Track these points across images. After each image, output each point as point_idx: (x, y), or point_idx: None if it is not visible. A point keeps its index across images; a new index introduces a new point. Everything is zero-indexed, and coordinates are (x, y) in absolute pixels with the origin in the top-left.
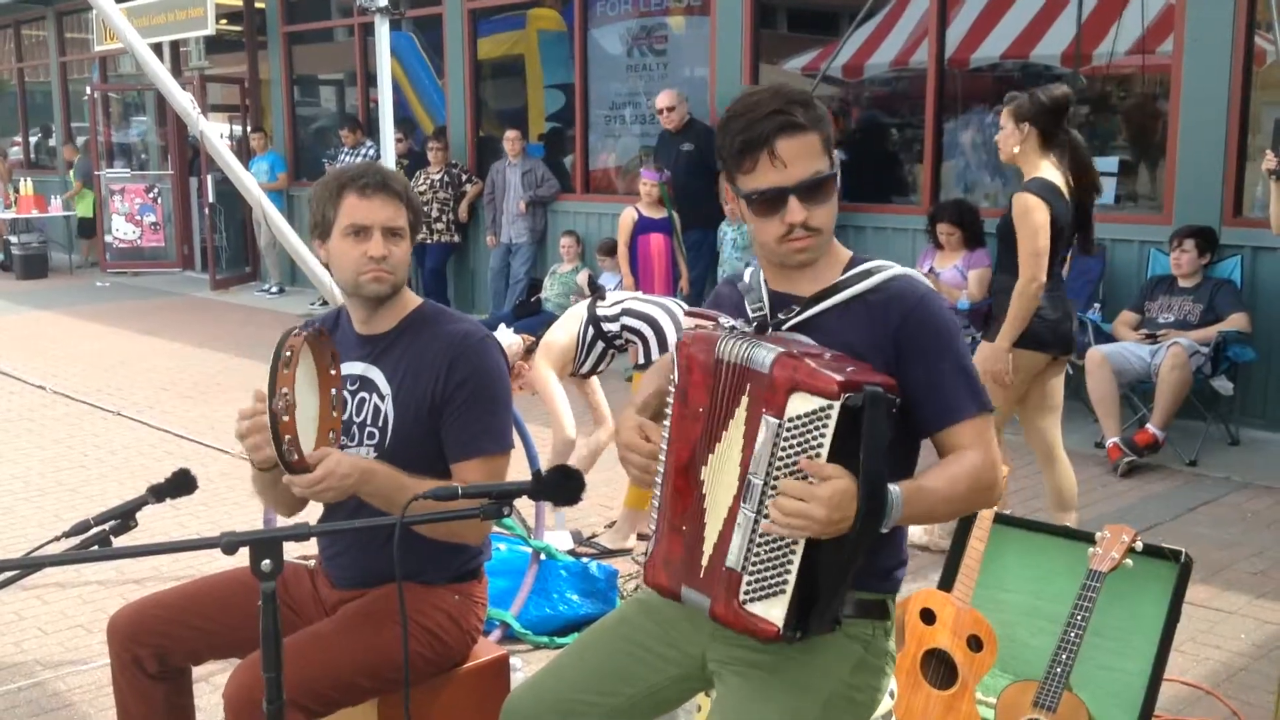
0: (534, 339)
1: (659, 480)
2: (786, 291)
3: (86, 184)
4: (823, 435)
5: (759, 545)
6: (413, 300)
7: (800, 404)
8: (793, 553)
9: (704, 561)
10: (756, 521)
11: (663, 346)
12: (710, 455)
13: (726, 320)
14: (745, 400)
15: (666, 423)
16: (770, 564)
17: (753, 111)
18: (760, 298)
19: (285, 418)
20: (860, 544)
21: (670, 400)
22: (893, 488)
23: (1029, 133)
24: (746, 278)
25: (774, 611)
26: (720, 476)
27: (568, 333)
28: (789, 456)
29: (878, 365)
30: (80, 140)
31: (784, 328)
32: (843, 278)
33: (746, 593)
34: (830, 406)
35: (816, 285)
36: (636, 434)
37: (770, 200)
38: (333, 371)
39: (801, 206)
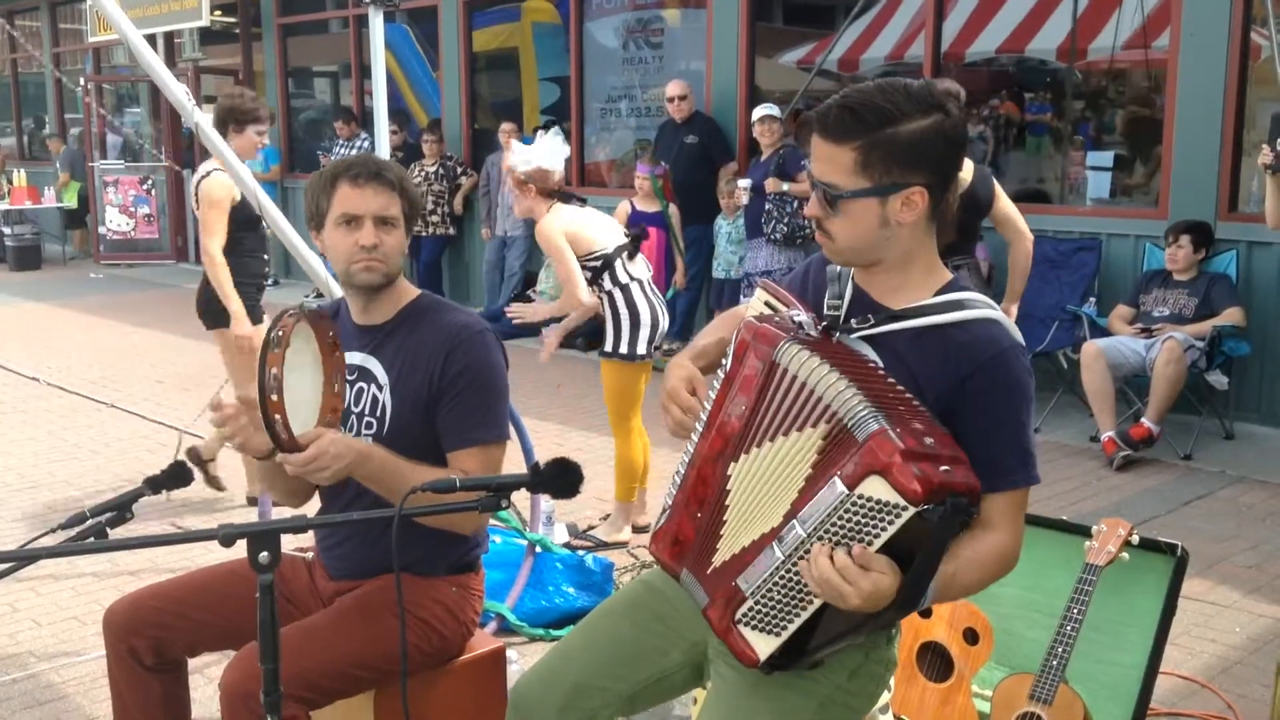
0: (558, 194)
1: (688, 449)
2: (871, 296)
3: (74, 175)
4: (885, 528)
5: (776, 585)
6: (411, 291)
7: (878, 489)
8: (805, 609)
9: (714, 561)
10: (783, 565)
11: (630, 346)
12: (745, 456)
13: (798, 313)
14: (817, 440)
15: (711, 395)
16: (780, 606)
17: (848, 94)
18: (841, 294)
19: (273, 397)
20: (874, 624)
21: (720, 378)
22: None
23: None
24: (839, 271)
25: (762, 646)
26: (754, 486)
27: (595, 234)
28: (843, 529)
29: (932, 405)
30: (74, 131)
31: (854, 336)
32: (930, 301)
33: (745, 617)
34: (905, 508)
35: (906, 298)
36: (684, 386)
37: (814, 184)
38: (335, 353)
39: (820, 205)
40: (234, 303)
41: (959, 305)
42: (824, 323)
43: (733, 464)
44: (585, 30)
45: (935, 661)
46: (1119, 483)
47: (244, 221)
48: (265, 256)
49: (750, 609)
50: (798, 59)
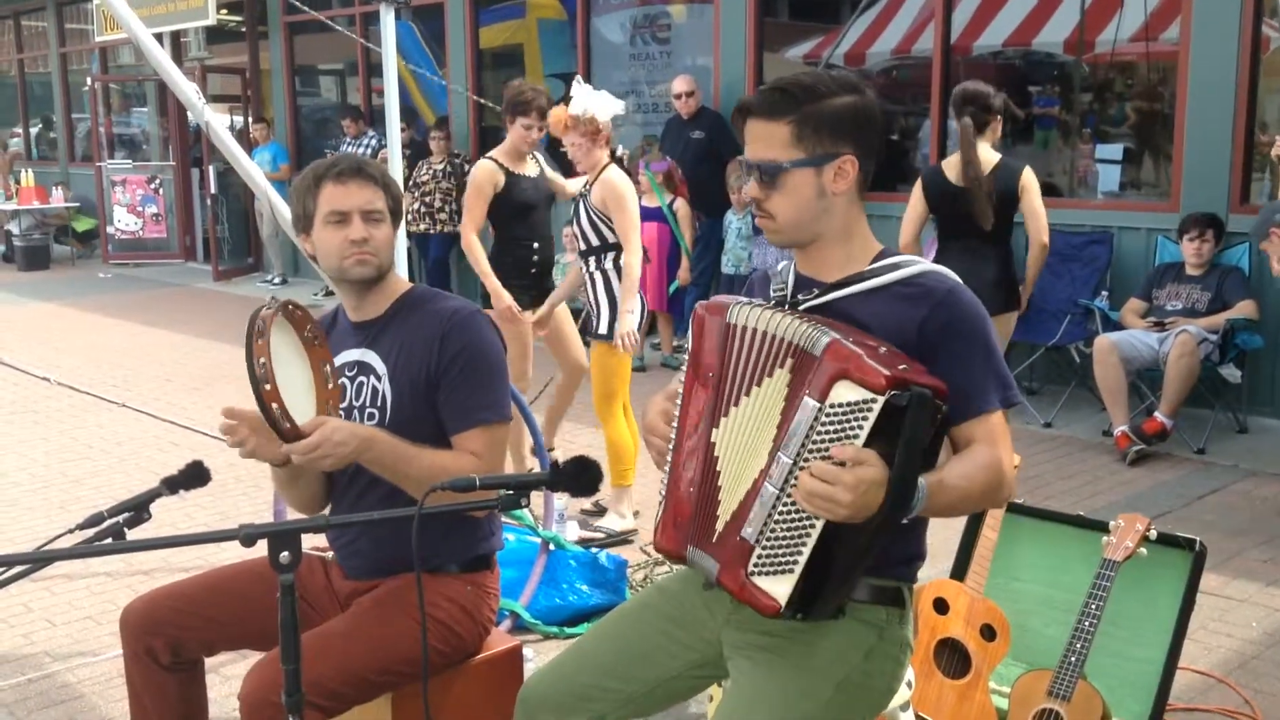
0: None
1: (669, 447)
2: (812, 275)
3: (86, 211)
4: (860, 427)
5: (777, 522)
6: (402, 284)
7: (845, 392)
8: (809, 534)
9: (718, 527)
10: (778, 499)
11: (608, 325)
12: (724, 419)
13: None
14: (782, 374)
15: (680, 390)
16: (785, 542)
17: (776, 79)
18: (784, 282)
19: (267, 385)
20: (878, 534)
21: (684, 369)
22: (920, 481)
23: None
24: (781, 266)
25: (779, 588)
26: (739, 442)
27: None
28: (823, 441)
29: None
30: (81, 130)
31: (801, 308)
32: (869, 267)
33: (756, 565)
34: (874, 400)
35: (843, 272)
36: (662, 418)
37: (747, 170)
38: (316, 343)
39: (759, 186)
40: (490, 280)
41: (897, 265)
42: (772, 302)
43: (715, 431)
44: (592, 26)
45: (953, 658)
46: (1132, 477)
47: (513, 209)
48: (535, 244)
49: (759, 556)
50: (804, 54)
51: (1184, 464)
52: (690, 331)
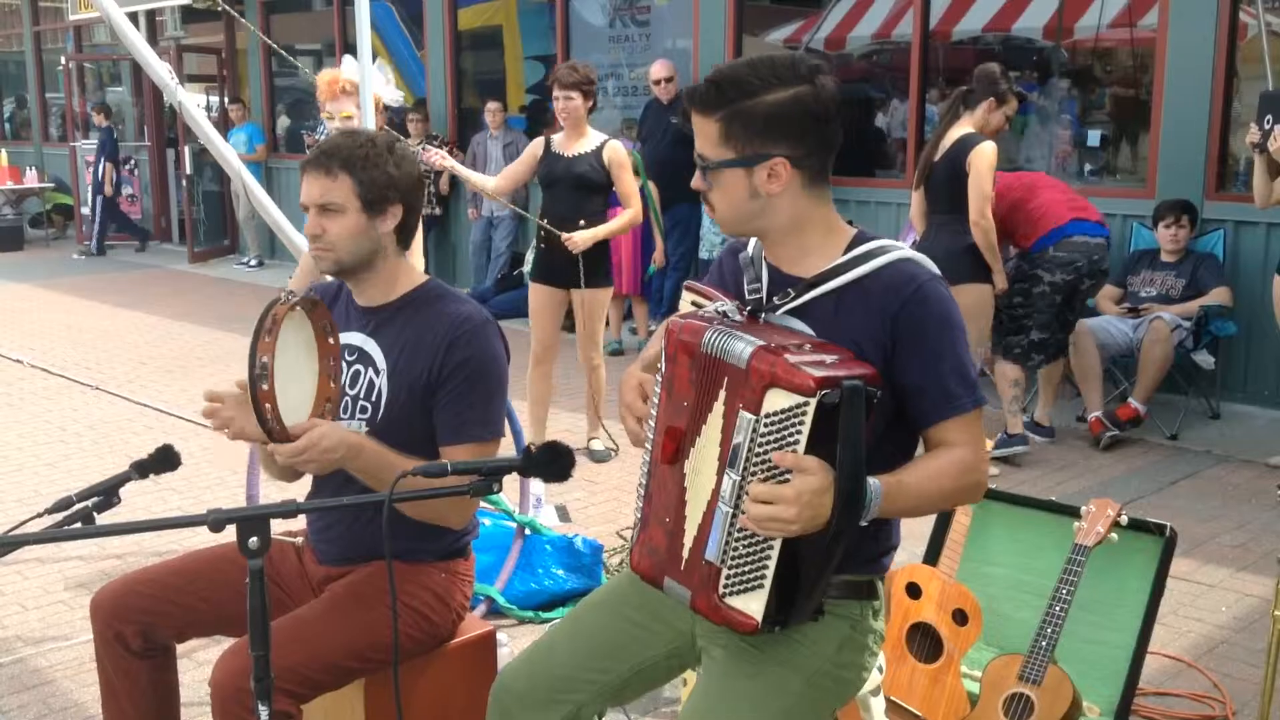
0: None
1: (644, 461)
2: (785, 270)
3: (61, 188)
4: (798, 432)
5: (736, 540)
6: (417, 276)
7: (777, 400)
8: (770, 547)
9: (684, 554)
10: (732, 517)
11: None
12: (693, 450)
13: (721, 305)
14: (723, 394)
15: (654, 409)
16: (748, 558)
17: (719, 68)
18: (758, 276)
19: (264, 386)
20: (839, 538)
21: (659, 387)
22: (871, 481)
23: None
24: (750, 248)
25: (753, 605)
26: (701, 468)
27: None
28: (765, 453)
29: (874, 355)
30: (55, 110)
31: (779, 313)
32: (843, 259)
33: (725, 586)
34: (806, 404)
35: (815, 263)
36: (636, 393)
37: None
38: (330, 340)
39: (700, 178)
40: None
41: (869, 256)
42: (748, 307)
43: (686, 462)
44: (571, 8)
45: (925, 642)
46: (1105, 462)
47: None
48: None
49: (727, 577)
50: (785, 37)
51: (1157, 450)
52: (664, 352)
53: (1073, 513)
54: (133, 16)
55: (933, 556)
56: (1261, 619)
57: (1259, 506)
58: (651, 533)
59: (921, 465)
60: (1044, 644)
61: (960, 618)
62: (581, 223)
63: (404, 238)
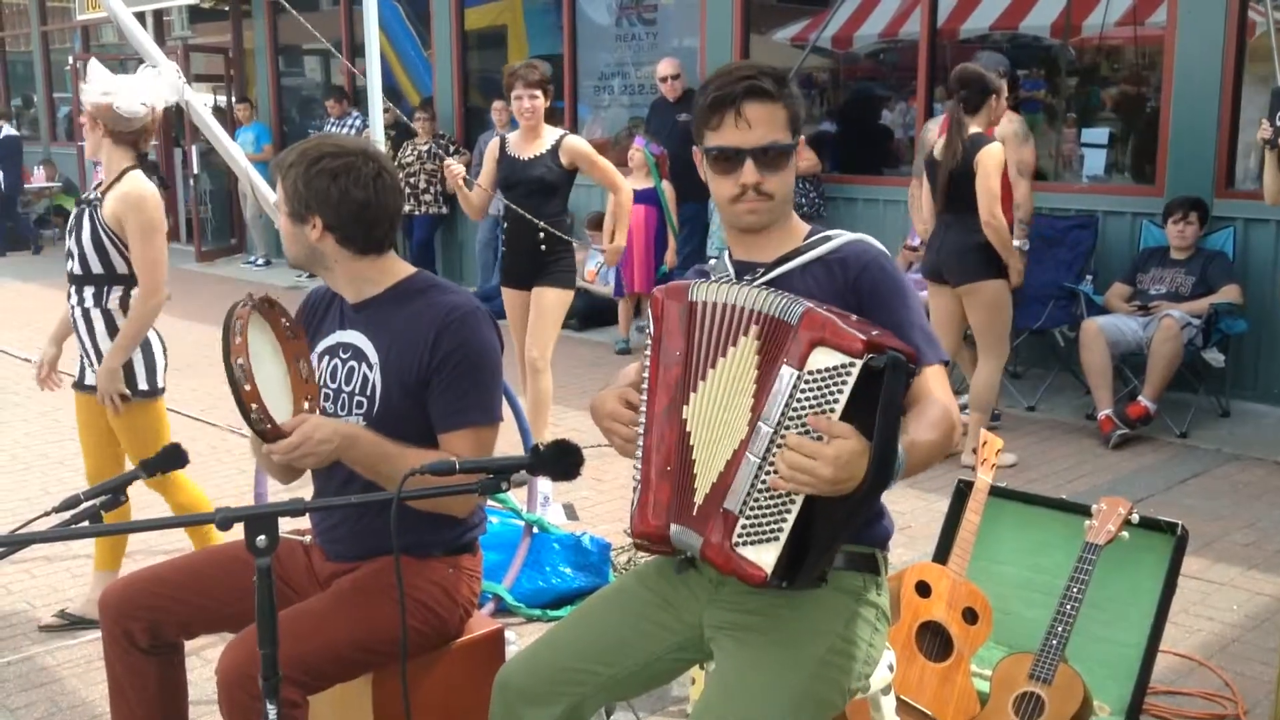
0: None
1: (639, 429)
2: (750, 260)
3: (69, 189)
4: (840, 392)
5: (760, 491)
6: (402, 269)
7: (823, 358)
8: (793, 502)
9: (697, 500)
10: (761, 468)
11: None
12: (694, 394)
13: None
14: (750, 343)
15: (645, 375)
16: (769, 510)
17: (729, 74)
18: (725, 267)
19: (247, 386)
20: (863, 504)
21: (648, 354)
22: (898, 446)
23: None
24: (713, 261)
25: (764, 557)
26: (711, 415)
27: None
28: (803, 409)
29: None
30: (62, 111)
31: (755, 284)
32: (803, 243)
33: (740, 536)
34: (852, 364)
35: (780, 253)
36: (619, 403)
37: (729, 158)
38: (292, 338)
39: (755, 170)
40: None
41: (828, 238)
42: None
43: (685, 408)
44: (578, 7)
45: (934, 641)
46: (1115, 461)
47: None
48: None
49: (744, 526)
50: (791, 36)
51: (1167, 448)
52: (650, 315)
53: (1083, 511)
54: (140, 17)
55: (942, 555)
56: (1273, 617)
57: (1270, 504)
58: (656, 488)
59: (920, 422)
60: (1055, 643)
61: (970, 616)
62: (540, 225)
63: (361, 245)
